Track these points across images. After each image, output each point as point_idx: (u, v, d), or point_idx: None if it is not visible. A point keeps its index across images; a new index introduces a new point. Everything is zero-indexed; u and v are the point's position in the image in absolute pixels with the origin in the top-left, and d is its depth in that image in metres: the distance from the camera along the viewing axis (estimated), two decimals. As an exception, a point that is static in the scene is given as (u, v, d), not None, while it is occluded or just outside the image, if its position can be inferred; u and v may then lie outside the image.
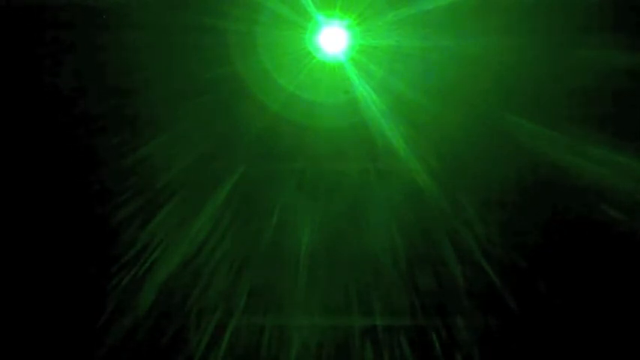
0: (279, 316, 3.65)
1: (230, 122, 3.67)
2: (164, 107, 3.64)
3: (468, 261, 3.63)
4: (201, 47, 3.55)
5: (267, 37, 3.55)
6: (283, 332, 3.63)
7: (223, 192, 3.68)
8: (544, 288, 3.57)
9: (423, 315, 3.62)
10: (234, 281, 3.67)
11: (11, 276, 3.61)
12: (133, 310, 3.59)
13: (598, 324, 3.49)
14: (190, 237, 3.65)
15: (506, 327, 3.56)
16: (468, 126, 3.59)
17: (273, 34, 3.55)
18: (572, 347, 3.51)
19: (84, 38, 3.60)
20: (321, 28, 3.56)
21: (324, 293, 3.67)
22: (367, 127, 3.65)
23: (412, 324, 3.62)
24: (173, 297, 3.63)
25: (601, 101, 3.51)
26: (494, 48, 3.46)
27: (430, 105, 3.57)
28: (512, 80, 3.53)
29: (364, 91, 3.61)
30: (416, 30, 3.50)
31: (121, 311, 3.58)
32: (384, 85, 3.60)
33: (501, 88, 3.54)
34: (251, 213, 3.71)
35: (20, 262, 3.62)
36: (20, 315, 3.59)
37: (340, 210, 3.72)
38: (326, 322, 3.65)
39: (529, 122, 3.56)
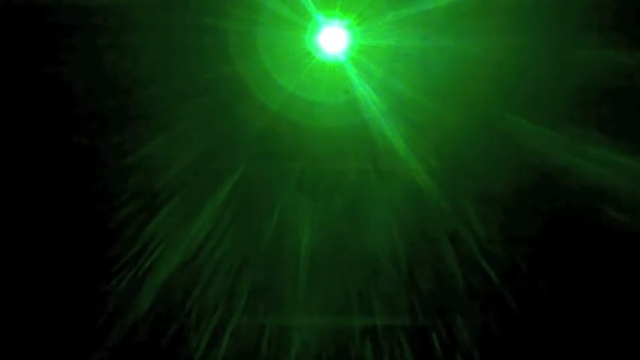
0: (279, 316, 3.65)
1: (230, 122, 3.67)
2: (164, 107, 3.64)
3: (468, 261, 3.63)
4: (201, 47, 3.55)
5: (267, 37, 3.55)
6: (283, 332, 3.63)
7: (223, 192, 3.68)
8: (544, 288, 3.57)
9: (423, 315, 3.62)
10: (234, 281, 3.67)
11: (11, 276, 3.61)
12: (133, 310, 3.58)
13: (598, 324, 3.49)
14: (190, 237, 3.65)
15: (506, 327, 3.56)
16: (468, 126, 3.59)
17: (273, 34, 3.55)
18: (572, 347, 3.51)
19: (84, 38, 3.60)
20: (321, 28, 3.56)
21: (324, 293, 3.67)
22: (367, 127, 3.65)
23: (412, 324, 3.62)
24: (173, 297, 3.63)
25: (601, 101, 3.50)
26: (494, 48, 3.46)
27: (430, 105, 3.57)
28: (512, 80, 3.53)
29: (364, 91, 3.62)
30: (416, 30, 3.51)
31: (121, 311, 3.58)
32: (384, 85, 3.60)
33: (501, 88, 3.54)
34: (251, 213, 3.71)
35: (20, 262, 3.62)
36: (20, 315, 3.59)
37: (340, 210, 3.72)
38: (326, 322, 3.64)
39: (529, 122, 3.56)
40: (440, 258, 3.64)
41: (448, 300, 3.63)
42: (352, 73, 3.62)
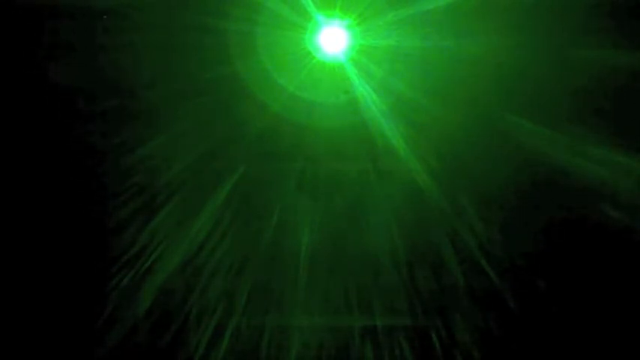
0: (279, 316, 3.65)
1: (230, 122, 3.67)
2: (164, 107, 3.64)
3: (468, 261, 3.63)
4: (201, 47, 3.55)
5: (267, 37, 3.56)
6: (283, 332, 3.63)
7: (223, 192, 3.68)
8: (544, 288, 3.57)
9: (423, 315, 3.62)
10: (234, 281, 3.67)
11: (11, 276, 3.61)
12: (133, 310, 3.58)
13: (598, 324, 3.49)
14: (190, 237, 3.65)
15: (506, 327, 3.56)
16: (468, 126, 3.59)
17: (273, 35, 3.55)
18: (572, 347, 3.51)
19: (84, 38, 3.60)
20: (321, 28, 3.56)
21: (324, 293, 3.67)
22: (367, 127, 3.65)
23: (412, 324, 3.62)
24: (173, 297, 3.63)
25: (601, 101, 3.51)
26: (494, 48, 3.46)
27: (430, 105, 3.57)
28: (512, 80, 3.53)
29: (364, 91, 3.62)
30: (416, 30, 3.51)
31: (121, 311, 3.58)
32: (384, 85, 3.60)
33: (501, 88, 3.54)
34: (251, 213, 3.71)
35: (20, 262, 3.62)
36: (20, 315, 3.59)
37: (340, 210, 3.72)
38: (326, 322, 3.64)
39: (529, 122, 3.56)
40: (440, 258, 3.64)
41: (448, 300, 3.63)
42: (352, 73, 3.62)
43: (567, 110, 3.53)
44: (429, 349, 3.59)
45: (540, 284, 3.58)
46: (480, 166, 3.61)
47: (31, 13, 3.61)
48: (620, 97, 3.50)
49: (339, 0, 3.48)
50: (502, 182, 3.60)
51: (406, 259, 3.67)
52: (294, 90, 3.63)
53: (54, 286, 3.60)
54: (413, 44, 3.53)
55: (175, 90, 3.62)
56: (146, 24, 3.54)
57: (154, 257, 3.63)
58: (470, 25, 3.47)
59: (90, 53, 3.61)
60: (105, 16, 3.57)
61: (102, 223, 3.62)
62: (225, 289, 3.66)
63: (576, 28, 3.48)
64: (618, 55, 3.46)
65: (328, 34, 3.57)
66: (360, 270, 3.68)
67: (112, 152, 3.65)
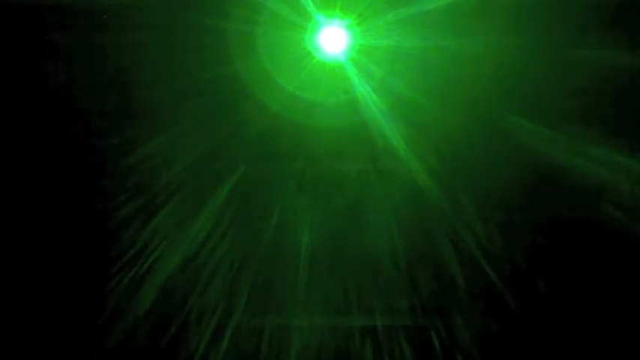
0: (279, 317, 3.65)
1: (230, 122, 3.67)
2: (164, 107, 3.64)
3: (467, 261, 3.63)
4: (201, 47, 3.55)
5: (267, 37, 3.56)
6: (283, 332, 3.63)
7: (223, 192, 3.68)
8: (544, 288, 3.57)
9: (423, 315, 3.62)
10: (234, 281, 3.67)
11: (11, 276, 3.61)
12: (133, 310, 3.59)
13: (598, 324, 3.49)
14: (190, 237, 3.65)
15: (506, 327, 3.56)
16: (468, 126, 3.59)
17: (273, 35, 3.55)
18: (572, 347, 3.51)
19: (84, 38, 3.60)
20: (321, 28, 3.56)
21: (324, 293, 3.67)
22: (367, 127, 3.65)
23: (412, 324, 3.62)
24: (173, 297, 3.63)
25: (601, 101, 3.51)
26: (494, 48, 3.46)
27: (430, 105, 3.57)
28: (512, 80, 3.53)
29: (364, 91, 3.62)
30: (416, 30, 3.51)
31: (121, 311, 3.58)
32: (384, 85, 3.60)
33: (501, 88, 3.54)
34: (251, 213, 3.71)
35: (20, 262, 3.62)
36: (20, 315, 3.59)
37: (340, 210, 3.72)
38: (326, 322, 3.65)
39: (529, 122, 3.56)
40: (440, 258, 3.64)
41: (448, 300, 3.63)
42: (352, 73, 3.62)
43: (567, 110, 3.54)
44: (429, 349, 3.59)
45: (540, 284, 3.58)
46: (480, 166, 3.61)
47: (31, 12, 3.61)
48: (620, 97, 3.50)
49: (339, 0, 3.49)
50: (502, 182, 3.60)
51: (406, 259, 3.67)
52: (294, 90, 3.63)
53: (54, 286, 3.60)
54: (413, 44, 3.53)
55: (175, 90, 3.62)
56: (146, 24, 3.54)
57: (154, 257, 3.63)
58: (470, 25, 3.47)
59: (90, 53, 3.61)
60: (104, 16, 3.56)
61: (102, 223, 3.62)
62: (225, 289, 3.66)
63: (576, 28, 3.48)
64: (618, 55, 3.46)
65: (328, 34, 3.57)
66: (360, 270, 3.68)
67: (112, 152, 3.65)
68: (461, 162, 3.62)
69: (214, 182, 3.69)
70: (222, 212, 3.68)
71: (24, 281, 3.61)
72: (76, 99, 3.66)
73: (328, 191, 3.72)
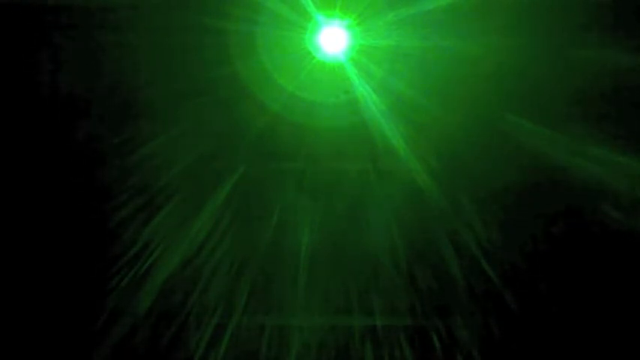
0: (279, 316, 3.65)
1: (230, 122, 3.67)
2: (164, 107, 3.64)
3: (467, 261, 3.62)
4: (201, 47, 3.55)
5: (267, 37, 3.55)
6: (283, 332, 3.63)
7: (223, 192, 3.68)
8: (544, 288, 3.57)
9: (423, 315, 3.62)
10: (234, 281, 3.66)
11: (11, 276, 3.61)
12: (133, 310, 3.58)
13: (598, 324, 3.49)
14: (190, 237, 3.65)
15: (506, 327, 3.56)
16: (467, 126, 3.59)
17: (273, 35, 3.55)
18: (572, 347, 3.51)
19: (84, 38, 3.60)
20: (321, 28, 3.56)
21: (324, 293, 3.67)
22: (367, 127, 3.65)
23: (412, 324, 3.62)
24: (173, 297, 3.63)
25: (601, 101, 3.51)
26: (494, 48, 3.46)
27: (430, 105, 3.57)
28: (512, 80, 3.53)
29: (364, 91, 3.62)
30: (416, 30, 3.51)
31: (121, 311, 3.58)
32: (384, 85, 3.60)
33: (501, 88, 3.54)
34: (251, 213, 3.71)
35: (20, 262, 3.62)
36: (20, 315, 3.59)
37: (340, 210, 3.72)
38: (326, 322, 3.64)
39: (529, 122, 3.56)
40: (440, 258, 3.64)
41: (448, 300, 3.63)
42: (352, 73, 3.62)
43: (567, 110, 3.53)
44: (429, 349, 3.59)
45: (540, 284, 3.57)
46: (480, 166, 3.61)
47: (31, 12, 3.61)
48: (621, 97, 3.50)
49: (339, 0, 3.48)
50: (502, 182, 3.60)
51: (406, 259, 3.67)
52: (294, 90, 3.63)
53: (54, 286, 3.60)
54: (413, 44, 3.53)
55: (175, 90, 3.62)
56: (146, 24, 3.54)
57: (154, 257, 3.63)
58: (470, 25, 3.47)
59: (90, 53, 3.61)
60: (104, 16, 3.56)
61: (102, 223, 3.62)
62: (225, 289, 3.66)
63: (576, 28, 3.48)
64: (618, 55, 3.46)
65: (328, 34, 3.57)
66: (360, 270, 3.68)
67: (112, 152, 3.65)
68: (461, 162, 3.62)
69: (214, 182, 3.68)
70: (222, 212, 3.68)
71: (24, 281, 3.61)
72: (76, 99, 3.66)
73: (328, 191, 3.72)
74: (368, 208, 3.72)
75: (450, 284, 3.63)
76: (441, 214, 3.63)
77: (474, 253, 3.61)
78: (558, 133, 3.53)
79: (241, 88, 3.59)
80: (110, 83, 3.64)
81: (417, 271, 3.66)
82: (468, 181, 3.62)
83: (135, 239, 3.63)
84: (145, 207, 3.65)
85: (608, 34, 3.44)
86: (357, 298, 3.67)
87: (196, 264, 3.65)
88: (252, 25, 3.52)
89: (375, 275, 3.68)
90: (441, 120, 3.58)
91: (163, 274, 3.63)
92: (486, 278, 3.60)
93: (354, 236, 3.70)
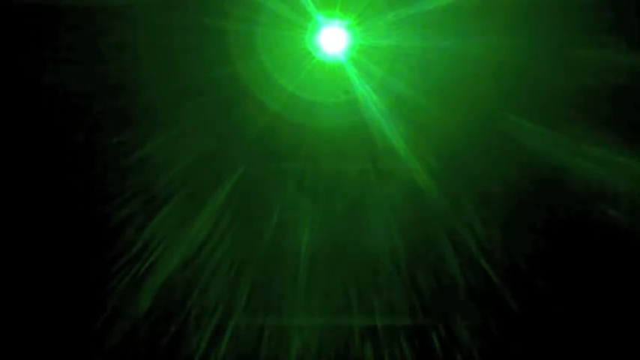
0: (279, 316, 3.65)
1: (230, 122, 3.67)
2: (164, 107, 3.64)
3: (467, 261, 3.63)
4: (201, 47, 3.55)
5: (267, 37, 3.55)
6: (283, 332, 3.63)
7: (223, 192, 3.68)
8: (544, 288, 3.57)
9: (423, 315, 3.62)
10: (234, 281, 3.67)
11: (11, 276, 3.61)
12: (133, 310, 3.58)
13: (598, 324, 3.49)
14: (190, 237, 3.65)
15: (506, 327, 3.56)
16: (468, 126, 3.59)
17: (273, 34, 3.55)
18: (572, 347, 3.51)
19: (84, 38, 3.60)
20: (321, 28, 3.56)
21: (324, 293, 3.67)
22: (367, 127, 3.65)
23: (412, 324, 3.62)
24: (173, 297, 3.63)
25: (601, 101, 3.51)
26: (494, 48, 3.46)
27: (430, 105, 3.57)
28: (512, 80, 3.53)
29: (364, 91, 3.62)
30: (416, 30, 3.51)
31: (121, 311, 3.58)
32: (384, 85, 3.60)
33: (501, 88, 3.54)
34: (251, 213, 3.71)
35: (20, 262, 3.62)
36: (20, 315, 3.59)
37: (340, 210, 3.72)
38: (326, 322, 3.64)
39: (529, 122, 3.56)
40: (440, 258, 3.64)
41: (448, 300, 3.63)
42: (352, 73, 3.62)
43: (567, 110, 3.53)
44: (429, 349, 3.59)
45: (540, 284, 3.58)
46: (480, 166, 3.61)
47: (31, 12, 3.61)
48: (620, 97, 3.50)
49: (339, 0, 3.48)
50: (502, 182, 3.60)
51: (406, 259, 3.67)
52: (294, 90, 3.63)
53: (54, 286, 3.60)
54: (413, 44, 3.53)
55: (175, 90, 3.62)
56: (146, 24, 3.54)
57: (154, 257, 3.63)
58: (470, 25, 3.47)
59: (90, 53, 3.61)
60: (104, 16, 3.56)
61: (102, 223, 3.62)
62: (225, 289, 3.66)
63: (576, 28, 3.48)
64: (618, 55, 3.46)
65: (328, 34, 3.57)
66: (360, 270, 3.68)
67: (112, 152, 3.65)
68: (461, 162, 3.62)
69: (214, 182, 3.68)
70: (222, 212, 3.68)
71: (24, 281, 3.61)
72: (76, 99, 3.66)
73: (328, 191, 3.72)
74: (368, 208, 3.72)
75: (450, 284, 3.64)
76: (441, 214, 3.63)
77: (473, 253, 3.61)
78: (558, 133, 3.53)
79: (241, 88, 3.59)
80: (110, 83, 3.64)
81: (417, 271, 3.66)
82: (468, 181, 3.62)
83: (135, 239, 3.63)
84: (145, 207, 3.65)
85: (608, 34, 3.44)
86: (357, 298, 3.67)
87: (196, 264, 3.65)
88: (252, 25, 3.52)
89: (375, 275, 3.68)
90: (441, 120, 3.58)
91: (163, 274, 3.63)
92: (486, 278, 3.60)
93: (354, 236, 3.70)
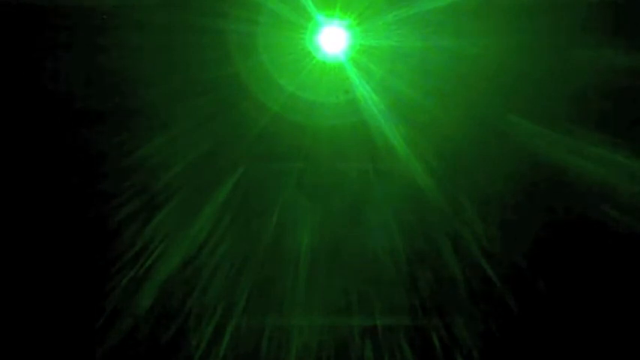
0: (279, 317, 3.65)
1: (230, 122, 3.67)
2: (164, 107, 3.64)
3: (468, 261, 3.63)
4: (201, 47, 3.55)
5: (268, 37, 3.55)
6: (283, 332, 3.63)
7: (223, 192, 3.68)
8: (544, 288, 3.57)
9: (423, 315, 3.62)
10: (234, 281, 3.67)
11: (11, 276, 3.61)
12: (133, 310, 3.59)
13: (598, 324, 3.49)
14: (190, 237, 3.66)
15: (506, 327, 3.56)
16: (468, 126, 3.59)
17: (274, 35, 3.55)
18: (572, 347, 3.51)
19: (84, 39, 3.60)
20: (321, 28, 3.56)
21: (324, 293, 3.67)
22: (367, 127, 3.65)
23: (412, 324, 3.62)
24: (173, 297, 3.63)
25: (601, 101, 3.51)
26: (494, 48, 3.46)
27: (430, 105, 3.57)
28: (512, 80, 3.53)
29: (364, 91, 3.62)
30: (416, 30, 3.51)
31: (121, 311, 3.58)
32: (384, 85, 3.60)
33: (501, 88, 3.54)
34: (251, 213, 3.71)
35: (20, 263, 3.62)
36: (20, 315, 3.59)
37: (340, 210, 3.72)
38: (326, 322, 3.65)
39: (529, 122, 3.56)
40: (440, 258, 3.64)
41: (448, 300, 3.63)
42: (352, 73, 3.62)
43: (567, 110, 3.54)
44: (429, 349, 3.59)
45: (540, 284, 3.58)
46: (480, 166, 3.61)
47: (31, 12, 3.61)
48: (620, 97, 3.50)
49: (339, 0, 3.48)
50: (502, 182, 3.60)
51: (406, 259, 3.67)
52: (294, 90, 3.63)
53: (54, 286, 3.61)
54: (413, 44, 3.53)
55: (175, 90, 3.62)
56: (146, 24, 3.54)
57: (154, 257, 3.63)
58: (470, 25, 3.47)
59: (89, 53, 3.61)
60: (104, 16, 3.56)
61: (102, 223, 3.62)
62: (225, 289, 3.66)
63: (576, 28, 3.48)
64: (618, 56, 3.46)
65: (328, 34, 3.57)
66: (360, 270, 3.69)
67: (112, 152, 3.65)
68: (461, 162, 3.62)
69: (214, 182, 3.69)
70: (222, 212, 3.68)
71: (24, 281, 3.61)
72: (76, 99, 3.66)
73: (328, 191, 3.72)
74: (368, 208, 3.72)
75: (450, 284, 3.64)
76: (441, 214, 3.63)
77: (474, 253, 3.62)
78: (558, 133, 3.53)
79: (241, 88, 3.59)
80: (110, 83, 3.64)
81: (417, 271, 3.66)
82: (468, 181, 3.62)
83: (135, 239, 3.63)
84: (145, 207, 3.65)
85: (608, 34, 3.44)
86: (357, 298, 3.67)
87: (196, 264, 3.65)
88: (252, 25, 3.52)
89: (375, 275, 3.68)
90: (441, 120, 3.58)
91: (163, 274, 3.63)
92: (486, 278, 3.60)
93: (354, 236, 3.70)
